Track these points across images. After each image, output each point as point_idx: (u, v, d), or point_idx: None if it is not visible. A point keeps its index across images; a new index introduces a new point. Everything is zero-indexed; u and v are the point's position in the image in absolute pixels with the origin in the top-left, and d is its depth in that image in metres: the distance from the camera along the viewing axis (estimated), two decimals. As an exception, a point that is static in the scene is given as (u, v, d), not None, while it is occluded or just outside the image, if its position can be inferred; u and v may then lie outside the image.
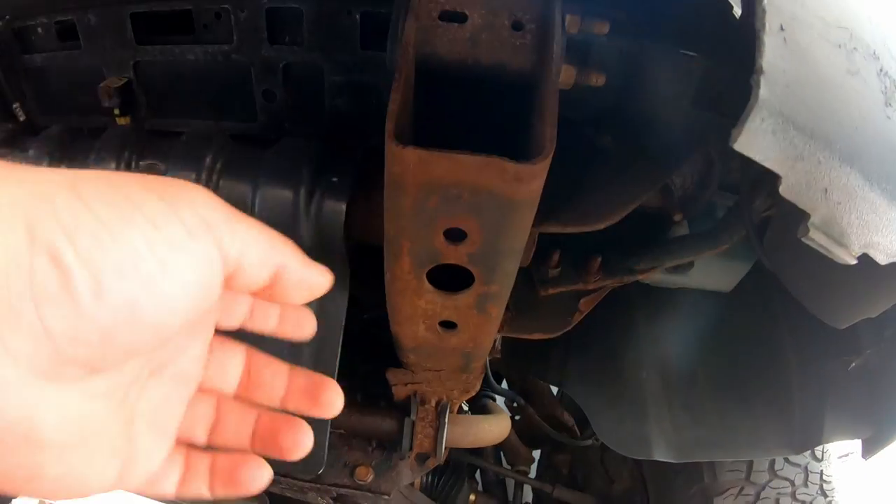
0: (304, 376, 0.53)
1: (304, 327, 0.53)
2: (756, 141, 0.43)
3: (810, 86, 0.44)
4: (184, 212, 0.39)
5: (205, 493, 0.50)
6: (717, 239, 0.91)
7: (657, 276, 1.15)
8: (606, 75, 0.73)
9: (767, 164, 0.44)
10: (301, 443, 0.50)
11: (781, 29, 0.42)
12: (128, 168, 0.92)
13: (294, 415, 0.52)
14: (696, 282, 1.17)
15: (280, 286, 0.46)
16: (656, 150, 0.81)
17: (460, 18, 0.65)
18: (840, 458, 1.54)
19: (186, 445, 0.50)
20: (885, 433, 1.10)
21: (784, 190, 0.45)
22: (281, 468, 1.20)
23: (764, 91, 0.42)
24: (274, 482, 1.28)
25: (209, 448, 0.51)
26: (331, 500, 1.34)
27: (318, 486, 1.25)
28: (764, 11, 0.41)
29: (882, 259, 0.50)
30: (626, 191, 0.79)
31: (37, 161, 0.95)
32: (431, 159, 0.54)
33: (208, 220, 0.40)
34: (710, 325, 1.34)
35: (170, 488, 0.49)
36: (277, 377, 0.53)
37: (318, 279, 0.48)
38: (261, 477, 0.50)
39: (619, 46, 0.80)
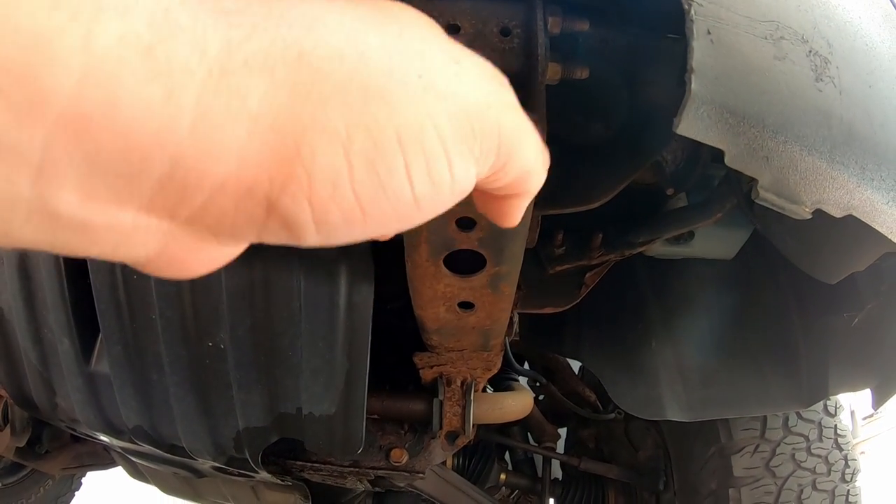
0: None
1: None
2: (694, 125, 0.51)
3: (738, 75, 0.52)
4: None
5: None
6: (710, 209, 0.94)
7: (660, 248, 1.19)
8: (592, 67, 0.79)
9: (709, 142, 0.52)
10: None
11: (708, 33, 0.49)
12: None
13: None
14: (698, 251, 1.20)
15: None
16: (644, 130, 0.88)
17: (454, 30, 0.71)
18: (865, 419, 1.58)
19: None
20: (891, 380, 1.12)
21: (730, 161, 0.52)
22: (321, 453, 1.28)
23: (695, 86, 0.50)
24: (315, 470, 1.36)
25: None
26: (368, 483, 1.42)
27: (357, 469, 1.31)
28: (692, 21, 0.49)
29: (836, 212, 0.57)
30: (616, 171, 0.85)
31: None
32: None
33: None
34: (716, 291, 1.38)
35: None
36: None
37: None
38: None
39: (604, 37, 0.86)
